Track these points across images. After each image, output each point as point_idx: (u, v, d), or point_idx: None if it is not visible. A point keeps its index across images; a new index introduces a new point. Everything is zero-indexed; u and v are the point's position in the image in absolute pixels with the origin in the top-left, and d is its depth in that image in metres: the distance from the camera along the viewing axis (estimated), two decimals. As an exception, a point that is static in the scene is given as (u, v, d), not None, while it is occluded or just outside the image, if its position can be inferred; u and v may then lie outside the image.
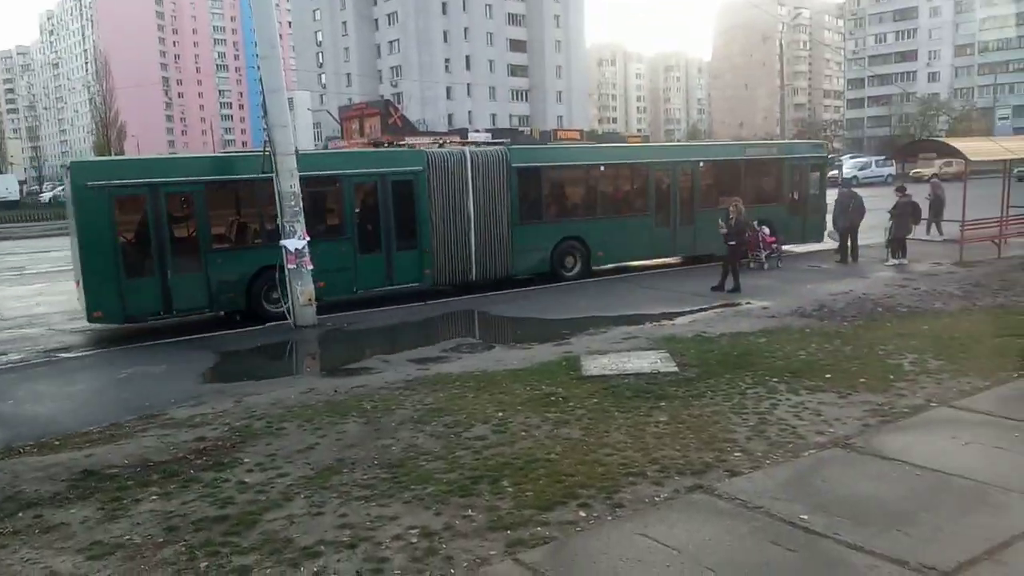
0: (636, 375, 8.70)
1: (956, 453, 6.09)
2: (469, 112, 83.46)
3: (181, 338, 12.58)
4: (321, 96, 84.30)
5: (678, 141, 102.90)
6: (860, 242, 18.36)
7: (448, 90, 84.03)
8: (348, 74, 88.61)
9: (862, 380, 8.19)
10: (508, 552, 4.78)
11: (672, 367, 8.96)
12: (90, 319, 12.67)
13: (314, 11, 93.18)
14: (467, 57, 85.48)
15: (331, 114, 67.81)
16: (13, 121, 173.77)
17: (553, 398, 7.97)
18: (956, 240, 17.91)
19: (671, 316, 12.69)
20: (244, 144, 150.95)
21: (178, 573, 4.72)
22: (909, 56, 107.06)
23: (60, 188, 67.99)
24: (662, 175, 18.35)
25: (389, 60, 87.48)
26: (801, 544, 4.72)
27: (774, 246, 18.09)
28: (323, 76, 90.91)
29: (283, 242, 12.86)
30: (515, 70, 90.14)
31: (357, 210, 14.76)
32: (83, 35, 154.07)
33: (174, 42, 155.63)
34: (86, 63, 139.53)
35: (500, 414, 7.50)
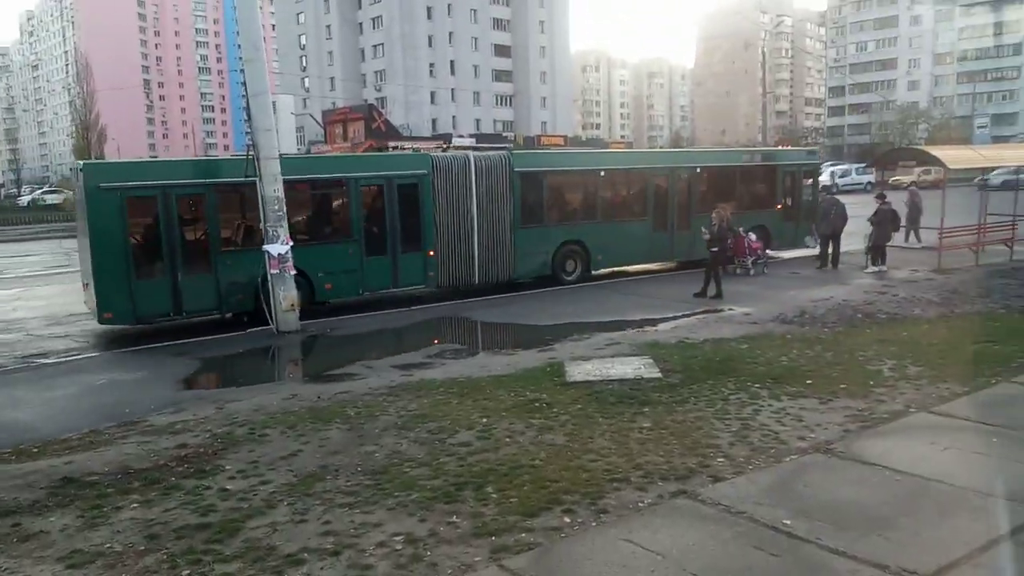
0: (620, 381, 8.73)
1: (935, 458, 6.15)
2: (453, 117, 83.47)
3: (161, 344, 12.48)
4: (304, 100, 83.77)
5: (661, 147, 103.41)
6: (840, 249, 18.57)
7: (432, 95, 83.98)
8: (332, 78, 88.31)
9: (843, 386, 8.27)
10: (493, 558, 4.78)
11: (655, 373, 9.00)
12: (101, 320, 12.73)
13: (298, 15, 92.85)
14: (452, 62, 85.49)
15: (314, 118, 67.42)
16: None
17: (537, 404, 7.97)
18: (934, 247, 18.12)
19: (654, 322, 12.74)
20: (226, 148, 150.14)
21: (160, 581, 4.68)
22: (889, 64, 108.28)
23: (39, 191, 67.23)
24: (660, 181, 18.58)
25: (373, 64, 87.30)
26: (784, 549, 4.76)
27: (759, 252, 18.24)
28: (306, 80, 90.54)
29: (266, 247, 12.81)
30: (499, 75, 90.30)
31: (364, 213, 14.90)
32: (63, 36, 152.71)
33: (156, 44, 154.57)
34: (66, 65, 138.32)
35: (484, 420, 7.50)
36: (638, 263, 18.58)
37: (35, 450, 7.32)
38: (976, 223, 18.80)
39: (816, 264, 18.63)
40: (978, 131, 77.59)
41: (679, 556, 4.68)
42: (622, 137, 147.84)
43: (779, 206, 20.23)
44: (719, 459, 6.32)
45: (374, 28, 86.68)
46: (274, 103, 15.38)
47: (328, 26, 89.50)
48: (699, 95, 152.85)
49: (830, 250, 18.57)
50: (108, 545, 5.15)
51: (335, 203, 15.12)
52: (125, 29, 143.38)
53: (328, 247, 14.49)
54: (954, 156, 19.74)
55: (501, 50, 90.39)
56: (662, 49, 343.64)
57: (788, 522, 5.08)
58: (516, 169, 16.30)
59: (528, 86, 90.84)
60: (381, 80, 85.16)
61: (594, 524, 5.22)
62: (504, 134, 73.71)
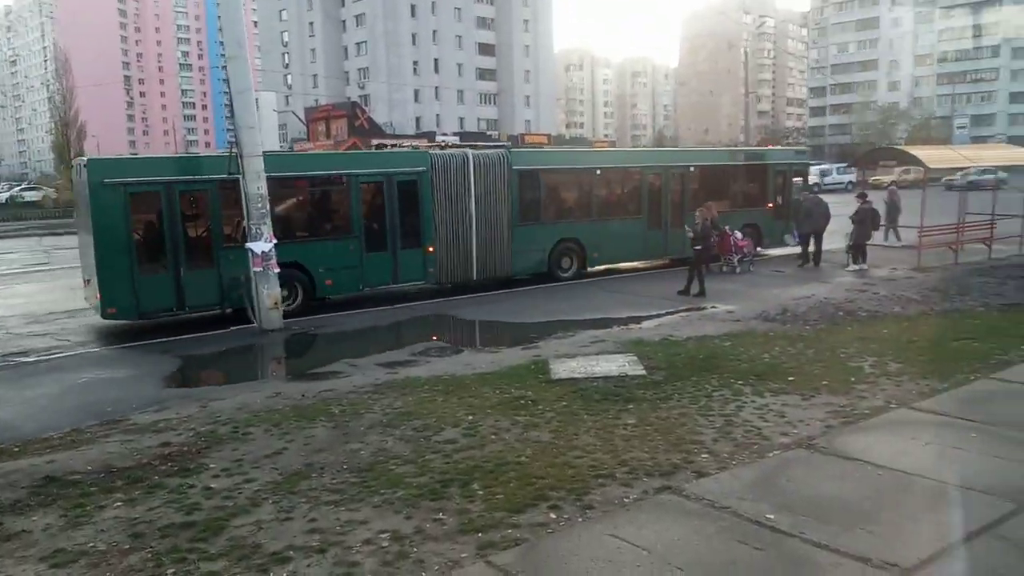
0: (604, 378, 8.77)
1: (916, 453, 6.23)
2: (437, 115, 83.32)
3: (144, 342, 12.40)
4: (287, 97, 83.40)
5: (645, 147, 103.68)
6: (822, 247, 18.76)
7: (416, 93, 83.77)
8: (315, 75, 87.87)
9: (824, 382, 8.34)
10: (480, 554, 4.79)
11: (640, 370, 9.05)
12: (104, 315, 12.73)
13: (280, 11, 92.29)
14: (435, 60, 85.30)
15: (297, 115, 67.17)
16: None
17: (522, 401, 7.99)
18: (914, 246, 18.33)
19: (638, 320, 12.82)
20: (207, 145, 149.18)
21: (144, 580, 4.65)
22: (870, 65, 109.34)
23: (18, 188, 66.39)
24: (655, 179, 18.84)
25: (356, 62, 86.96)
26: (767, 543, 4.80)
27: (745, 250, 18.41)
28: (289, 77, 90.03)
29: (249, 245, 12.75)
30: (483, 74, 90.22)
31: (364, 209, 15.05)
32: (43, 32, 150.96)
33: (136, 40, 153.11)
34: (45, 61, 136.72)
35: (470, 418, 7.51)
36: (633, 260, 18.79)
37: (16, 449, 7.24)
38: (955, 222, 19.03)
39: (799, 262, 18.79)
40: (958, 131, 78.50)
41: (664, 551, 4.71)
42: (605, 136, 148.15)
43: (770, 205, 20.56)
44: (703, 455, 6.36)
45: (357, 25, 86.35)
46: (256, 100, 15.36)
47: (311, 23, 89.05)
48: (682, 94, 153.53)
49: (812, 248, 18.76)
50: (92, 544, 5.11)
51: (336, 200, 15.25)
52: (105, 25, 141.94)
53: (329, 243, 14.64)
54: (934, 156, 20.00)
55: (485, 49, 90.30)
56: (646, 48, 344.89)
57: (771, 516, 5.12)
58: (514, 167, 16.50)
59: (512, 85, 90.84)
60: (364, 78, 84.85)
61: (580, 520, 5.25)
62: (488, 132, 73.81)
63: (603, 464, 6.19)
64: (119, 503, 5.78)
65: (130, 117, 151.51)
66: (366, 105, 72.47)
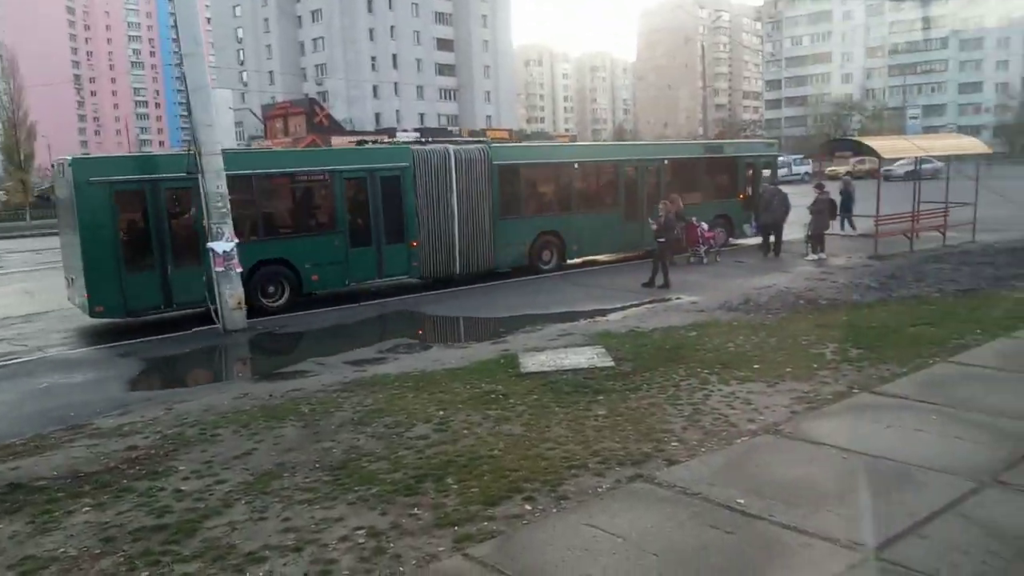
0: (574, 371, 8.84)
1: (879, 436, 6.40)
2: (397, 111, 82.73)
3: (106, 345, 12.19)
4: (243, 94, 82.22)
5: (605, 141, 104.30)
6: (782, 238, 19.10)
7: (375, 89, 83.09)
8: (271, 72, 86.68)
9: (788, 369, 8.51)
10: (456, 548, 4.81)
11: (608, 362, 9.14)
12: (92, 314, 12.70)
13: (234, 7, 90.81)
14: (394, 56, 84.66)
15: (254, 112, 66.25)
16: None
17: (493, 395, 8.02)
18: (871, 234, 18.74)
19: (604, 312, 12.92)
20: (161, 144, 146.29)
21: (117, 584, 4.59)
22: (823, 58, 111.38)
23: (-36, 191, 64.22)
24: (630, 172, 19.14)
25: (313, 58, 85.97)
26: (738, 526, 4.90)
27: (712, 241, 18.70)
28: (244, 74, 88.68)
29: (210, 244, 12.58)
30: (443, 69, 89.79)
31: (348, 205, 15.15)
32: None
33: (86, 38, 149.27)
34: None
35: (441, 413, 7.52)
36: (611, 252, 19.05)
37: (-24, 457, 7.07)
38: (909, 211, 19.50)
39: (761, 253, 19.11)
40: (910, 122, 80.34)
41: (639, 538, 4.79)
42: (566, 131, 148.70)
43: (741, 196, 20.95)
44: (673, 443, 6.46)
45: (313, 21, 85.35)
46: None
47: (266, 19, 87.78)
48: (641, 89, 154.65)
49: (772, 239, 19.08)
50: (62, 550, 5.03)
51: (321, 196, 15.35)
52: (53, 22, 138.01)
53: (314, 239, 14.74)
54: (889, 146, 20.45)
55: (444, 44, 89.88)
56: (604, 43, 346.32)
57: (741, 501, 5.23)
58: (494, 162, 16.69)
59: (472, 80, 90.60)
60: (322, 74, 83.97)
61: (555, 510, 5.30)
62: (449, 128, 73.45)
63: (576, 455, 6.25)
64: (88, 508, 5.69)
65: (81, 117, 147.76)
66: (324, 101, 71.77)
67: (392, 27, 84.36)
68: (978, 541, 4.59)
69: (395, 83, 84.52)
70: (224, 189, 12.57)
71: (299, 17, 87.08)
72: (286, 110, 62.38)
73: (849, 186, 23.14)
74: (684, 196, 18.91)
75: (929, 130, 76.61)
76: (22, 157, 50.23)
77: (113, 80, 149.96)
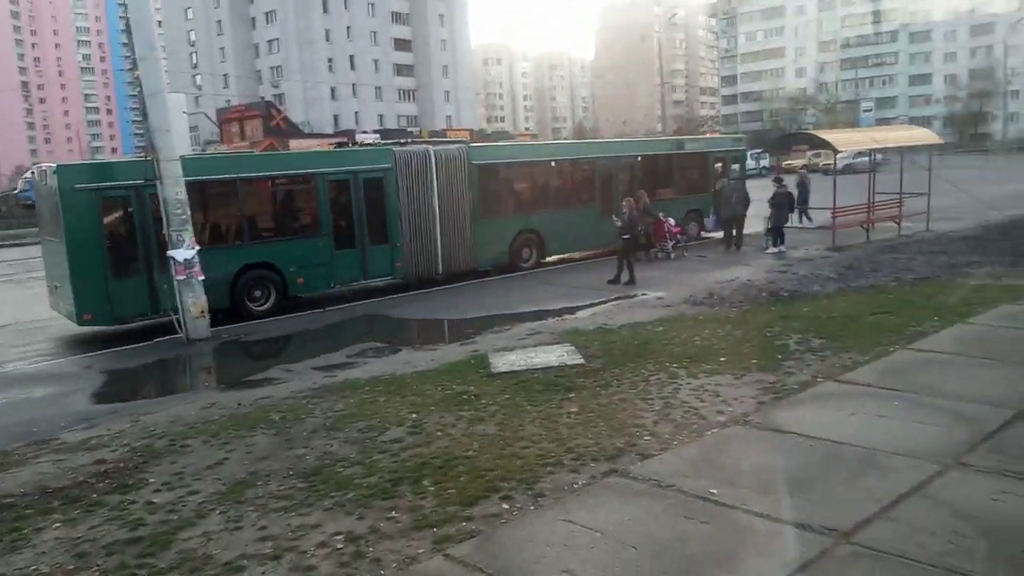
0: (544, 369, 8.89)
1: (844, 423, 6.56)
2: (356, 113, 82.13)
3: (65, 358, 11.96)
4: (196, 98, 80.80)
5: (565, 139, 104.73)
6: (743, 232, 19.40)
7: (332, 91, 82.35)
8: (225, 75, 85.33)
9: (754, 361, 8.67)
10: (436, 549, 4.83)
11: (578, 359, 9.21)
12: (80, 322, 12.66)
13: (186, 9, 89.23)
14: (351, 57, 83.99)
15: (209, 117, 65.21)
16: None
17: (465, 396, 8.04)
18: (828, 226, 19.12)
19: (572, 310, 13.01)
20: (114, 151, 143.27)
21: (92, 600, 4.53)
22: (777, 53, 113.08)
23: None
24: (605, 170, 19.36)
25: (269, 60, 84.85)
26: (713, 516, 5.00)
27: (679, 236, 18.93)
28: (198, 77, 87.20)
29: (170, 252, 12.36)
30: (401, 69, 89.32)
31: (332, 207, 15.11)
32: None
33: (33, 44, 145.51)
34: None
35: (414, 416, 7.51)
36: (588, 248, 19.15)
37: (-63, 477, 6.89)
38: (865, 202, 19.93)
39: (723, 247, 19.40)
40: (864, 114, 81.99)
41: (616, 531, 4.85)
42: (527, 129, 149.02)
43: (713, 191, 21.17)
44: (646, 437, 6.54)
45: (268, 23, 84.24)
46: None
47: (219, 21, 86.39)
48: (599, 86, 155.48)
49: (734, 233, 19.38)
50: (33, 567, 4.93)
51: (305, 199, 15.31)
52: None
53: (299, 242, 14.77)
54: (844, 139, 20.91)
55: (401, 44, 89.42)
56: (562, 42, 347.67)
57: (715, 491, 5.33)
58: (474, 162, 16.80)
59: (431, 80, 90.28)
60: (278, 76, 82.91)
61: (532, 508, 5.34)
62: (409, 129, 73.18)
63: (550, 453, 6.30)
64: (58, 524, 5.59)
65: (30, 124, 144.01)
66: (281, 104, 70.99)
67: (348, 28, 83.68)
68: (944, 522, 4.74)
69: (353, 84, 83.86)
70: (183, 195, 12.37)
71: (253, 19, 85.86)
72: (242, 114, 61.54)
73: (805, 179, 23.60)
74: (657, 192, 19.55)
75: (881, 122, 78.26)
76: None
77: (63, 87, 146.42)
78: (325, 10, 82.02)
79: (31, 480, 6.52)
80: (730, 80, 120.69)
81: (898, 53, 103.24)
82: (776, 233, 18.64)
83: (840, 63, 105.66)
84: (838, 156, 35.61)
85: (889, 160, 25.28)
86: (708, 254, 18.87)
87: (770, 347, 9.29)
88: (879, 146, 20.74)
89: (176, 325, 12.47)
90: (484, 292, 15.67)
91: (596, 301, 13.68)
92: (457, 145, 17.74)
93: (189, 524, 5.46)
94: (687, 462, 5.96)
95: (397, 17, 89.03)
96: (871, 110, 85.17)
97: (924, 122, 68.72)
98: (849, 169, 34.96)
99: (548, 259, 18.49)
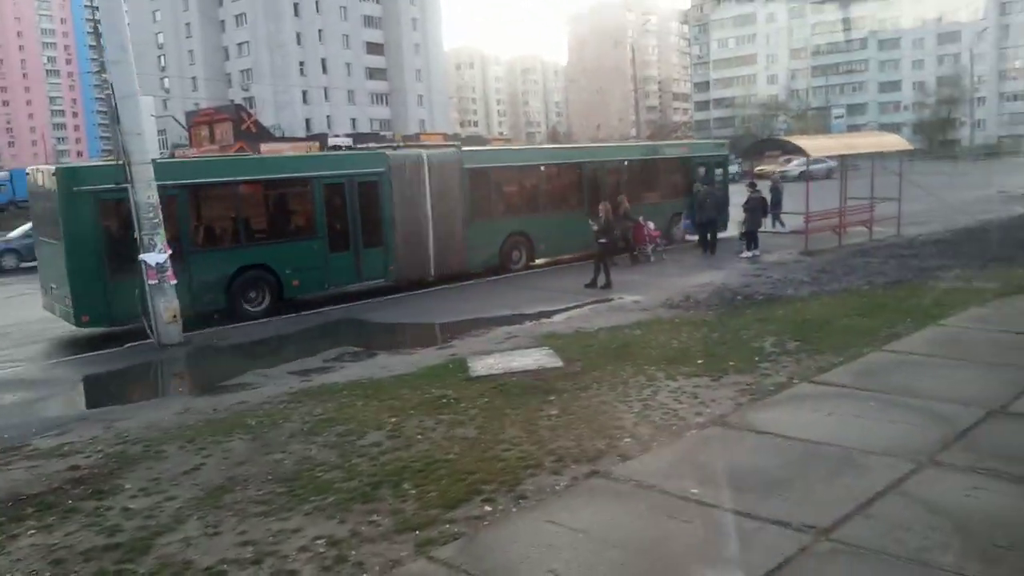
0: (523, 372, 8.90)
1: (821, 423, 6.65)
2: (328, 116, 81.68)
3: (31, 365, 11.73)
4: (165, 101, 79.66)
5: (540, 144, 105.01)
6: (717, 236, 19.61)
7: (304, 94, 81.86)
8: (194, 78, 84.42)
9: (731, 363, 8.75)
10: (420, 551, 4.81)
11: (557, 362, 9.23)
12: (78, 323, 12.75)
13: (154, 12, 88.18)
14: (323, 60, 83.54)
15: (177, 120, 64.17)
16: None
17: (444, 400, 8.02)
18: (801, 231, 19.37)
19: (549, 314, 13.04)
20: (79, 155, 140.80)
21: (70, 608, 4.45)
22: (749, 60, 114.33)
23: None
24: (593, 174, 19.62)
25: (239, 63, 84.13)
26: (694, 515, 5.05)
27: (658, 240, 19.09)
28: (166, 80, 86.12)
29: (142, 256, 12.19)
30: (373, 73, 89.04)
31: (327, 210, 15.26)
32: None
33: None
34: None
35: (393, 420, 7.48)
36: (577, 251, 19.15)
37: (-97, 485, 6.72)
38: (837, 207, 20.22)
39: (699, 251, 19.60)
40: (835, 121, 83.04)
41: (600, 531, 4.88)
42: (500, 134, 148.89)
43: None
44: (626, 439, 6.58)
45: (238, 26, 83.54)
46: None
47: (188, 24, 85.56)
48: (573, 91, 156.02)
49: (708, 237, 19.57)
50: (9, 575, 4.84)
51: (300, 202, 15.46)
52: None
53: (295, 245, 14.92)
54: (817, 145, 21.23)
55: (373, 48, 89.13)
56: (535, 46, 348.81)
57: (695, 491, 5.37)
58: (466, 166, 17.00)
59: (403, 84, 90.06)
60: (248, 80, 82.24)
61: (515, 510, 5.34)
62: (382, 133, 72.72)
63: (531, 455, 6.30)
64: (33, 530, 5.48)
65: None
66: (251, 108, 70.23)
67: (320, 31, 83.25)
68: (920, 518, 4.83)
69: (325, 88, 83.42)
70: (156, 199, 12.23)
71: (222, 22, 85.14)
72: (211, 117, 60.53)
73: (779, 184, 23.90)
74: (643, 195, 20.06)
75: (852, 128, 79.52)
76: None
77: (27, 89, 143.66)
78: (296, 13, 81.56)
79: (4, 487, 6.38)
80: (702, 86, 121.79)
81: (868, 60, 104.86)
82: (750, 238, 18.84)
83: (811, 70, 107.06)
84: (794, 163, 36.52)
85: (858, 165, 25.68)
86: (684, 258, 19.02)
87: (746, 349, 9.38)
88: (852, 152, 21.06)
89: (148, 330, 12.30)
90: (466, 296, 15.71)
91: (573, 305, 13.72)
92: (450, 149, 17.89)
93: (168, 530, 5.39)
94: (667, 463, 6.01)
95: (369, 21, 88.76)
96: (843, 116, 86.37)
97: (894, 128, 69.85)
98: (805, 176, 35.77)
99: (537, 261, 18.68)
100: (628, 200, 18.78)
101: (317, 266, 14.98)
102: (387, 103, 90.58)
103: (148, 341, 12.26)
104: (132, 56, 12.71)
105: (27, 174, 14.91)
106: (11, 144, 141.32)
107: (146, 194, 12.16)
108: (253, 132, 58.61)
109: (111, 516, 5.66)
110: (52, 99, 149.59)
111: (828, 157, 22.68)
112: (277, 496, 5.85)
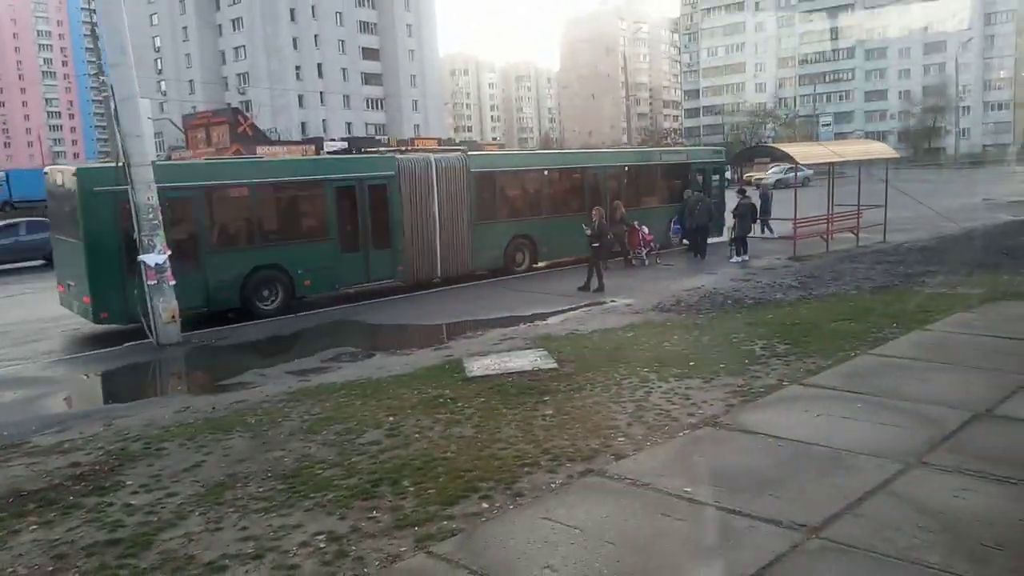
0: (518, 373, 9.01)
1: (810, 424, 6.78)
2: (323, 121, 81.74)
3: (31, 363, 11.76)
4: (161, 104, 79.64)
5: (533, 149, 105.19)
6: (707, 242, 19.81)
7: (300, 98, 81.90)
8: (191, 81, 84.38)
9: (722, 365, 8.87)
10: (419, 547, 4.91)
11: (551, 364, 9.35)
12: (97, 320, 13.01)
13: (151, 15, 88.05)
14: (319, 65, 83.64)
15: (174, 123, 64.35)
16: None
17: (441, 400, 8.13)
18: (789, 237, 19.57)
19: (543, 316, 13.18)
20: (76, 156, 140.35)
21: (75, 600, 4.54)
22: (738, 68, 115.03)
23: None
24: (594, 178, 19.96)
25: (235, 67, 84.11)
26: (688, 513, 5.17)
27: (652, 244, 19.28)
28: (163, 83, 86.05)
29: (142, 257, 12.29)
30: (369, 78, 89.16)
31: (338, 213, 15.64)
32: None
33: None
34: None
35: (391, 419, 7.58)
36: (578, 254, 19.26)
37: (-95, 482, 6.78)
38: (825, 214, 20.43)
39: (689, 256, 19.77)
40: (823, 129, 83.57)
41: (595, 528, 4.99)
42: (494, 139, 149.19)
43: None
44: (620, 438, 6.69)
45: (235, 30, 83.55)
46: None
47: (185, 28, 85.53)
48: (565, 98, 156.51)
49: (698, 242, 19.78)
50: (11, 570, 4.91)
51: (313, 204, 15.78)
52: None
53: (307, 245, 15.26)
54: (805, 152, 21.42)
55: (369, 53, 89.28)
56: (529, 53, 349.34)
57: (688, 489, 5.49)
58: (472, 170, 17.34)
59: (399, 89, 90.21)
60: (245, 83, 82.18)
61: (512, 507, 5.45)
62: (377, 137, 72.86)
63: (527, 454, 6.41)
64: (35, 526, 5.55)
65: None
66: (248, 111, 70.25)
67: (316, 36, 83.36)
68: (908, 517, 4.95)
69: (320, 92, 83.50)
70: (155, 201, 12.32)
71: (219, 26, 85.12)
72: (208, 120, 60.79)
73: (768, 191, 24.15)
74: (642, 200, 20.54)
75: (839, 136, 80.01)
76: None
77: (23, 90, 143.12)
78: (292, 18, 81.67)
79: (4, 483, 6.45)
80: (692, 94, 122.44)
81: (854, 69, 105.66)
82: (740, 243, 19.03)
83: (799, 78, 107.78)
84: (772, 171, 37.26)
85: (845, 173, 25.91)
86: (675, 263, 19.20)
87: (737, 352, 9.52)
88: (839, 159, 21.27)
89: (147, 330, 12.37)
90: (466, 297, 15.96)
91: (568, 307, 13.87)
92: (456, 153, 18.18)
93: (169, 525, 5.47)
94: (661, 462, 6.12)
95: (365, 27, 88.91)
96: (830, 124, 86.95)
97: (880, 136, 70.50)
98: (781, 184, 36.85)
99: (540, 263, 18.95)
100: (627, 205, 19.12)
101: (328, 266, 15.28)
102: (382, 108, 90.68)
103: (147, 341, 12.34)
104: (132, 59, 12.79)
105: (45, 174, 15.19)
106: (7, 145, 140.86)
107: (145, 195, 12.24)
108: (249, 135, 58.83)
109: (112, 512, 5.74)
110: (48, 101, 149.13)
111: (807, 165, 22.87)
112: (277, 493, 5.94)
